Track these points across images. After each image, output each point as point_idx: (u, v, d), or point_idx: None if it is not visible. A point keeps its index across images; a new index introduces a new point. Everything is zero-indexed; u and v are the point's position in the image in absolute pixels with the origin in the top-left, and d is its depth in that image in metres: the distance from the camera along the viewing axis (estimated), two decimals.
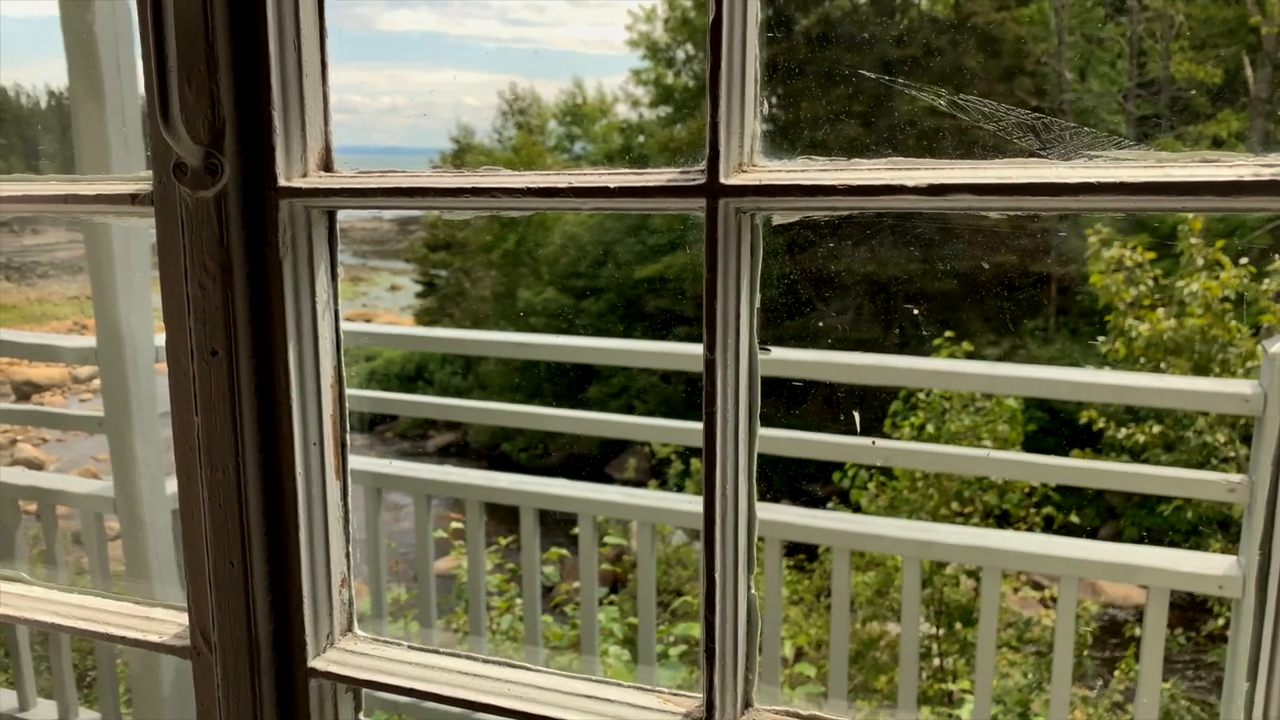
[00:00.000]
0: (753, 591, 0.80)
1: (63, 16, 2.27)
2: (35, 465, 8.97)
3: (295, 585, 0.90)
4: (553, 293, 12.01)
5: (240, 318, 0.86)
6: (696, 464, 6.83)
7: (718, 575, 0.77)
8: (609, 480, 9.38)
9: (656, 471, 7.93)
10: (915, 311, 8.78)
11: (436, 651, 0.92)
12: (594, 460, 10.64)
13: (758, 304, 0.77)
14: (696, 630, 4.10)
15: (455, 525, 4.25)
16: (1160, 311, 5.53)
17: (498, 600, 4.50)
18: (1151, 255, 5.72)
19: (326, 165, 0.88)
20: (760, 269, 0.76)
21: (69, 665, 2.79)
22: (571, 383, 11.24)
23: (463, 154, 14.10)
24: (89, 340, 2.46)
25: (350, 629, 0.95)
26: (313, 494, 0.90)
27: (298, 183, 0.85)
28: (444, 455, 11.50)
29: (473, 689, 0.87)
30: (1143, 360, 5.50)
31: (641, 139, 13.50)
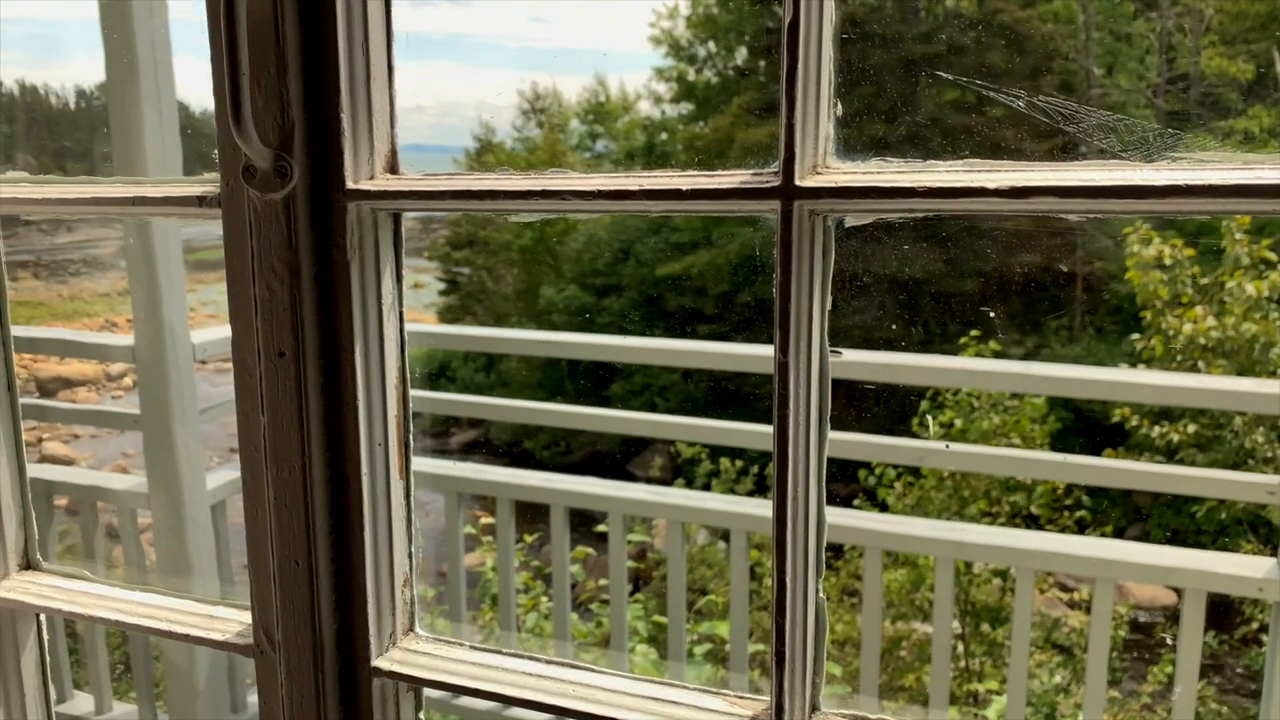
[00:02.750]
0: (821, 595, 0.80)
1: (102, 19, 2.29)
2: (65, 461, 9.07)
3: (359, 584, 0.91)
4: (574, 290, 12.01)
5: (308, 319, 0.86)
6: (725, 463, 6.82)
7: (788, 579, 0.77)
8: (631, 478, 9.37)
9: (679, 470, 7.92)
10: (939, 311, 8.73)
11: (499, 652, 0.92)
12: (616, 458, 10.64)
13: (829, 306, 0.77)
14: (722, 629, 4.11)
15: (484, 521, 4.27)
16: (1199, 309, 5.45)
17: (523, 598, 4.51)
18: (1191, 252, 5.64)
19: (393, 168, 0.88)
20: (831, 271, 0.76)
21: (104, 659, 2.82)
22: (594, 380, 11.24)
23: (484, 152, 14.13)
24: (133, 338, 2.48)
25: (412, 628, 0.95)
26: (377, 494, 0.91)
27: (365, 185, 0.85)
28: (466, 452, 11.53)
29: (537, 690, 0.87)
30: (1180, 359, 5.43)
31: (664, 136, 13.47)
